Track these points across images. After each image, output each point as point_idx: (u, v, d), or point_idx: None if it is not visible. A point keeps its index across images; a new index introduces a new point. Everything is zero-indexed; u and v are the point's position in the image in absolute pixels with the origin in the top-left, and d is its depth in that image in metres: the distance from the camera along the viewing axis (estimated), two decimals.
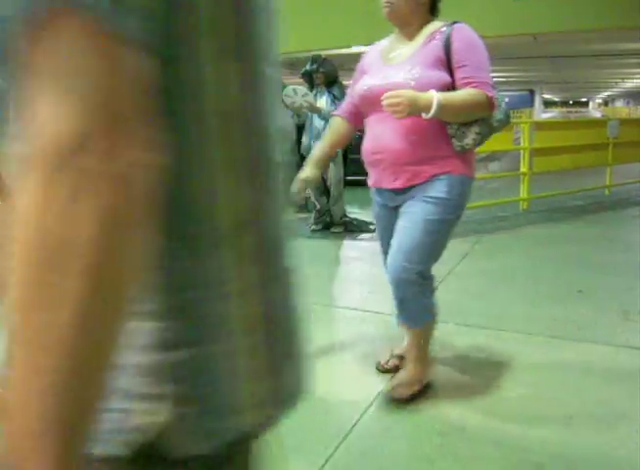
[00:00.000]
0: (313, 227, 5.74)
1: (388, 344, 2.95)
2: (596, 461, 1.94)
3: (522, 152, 6.88)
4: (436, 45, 2.11)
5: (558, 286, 3.87)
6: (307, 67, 5.42)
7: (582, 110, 49.70)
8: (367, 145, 2.27)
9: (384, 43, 2.36)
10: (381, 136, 2.19)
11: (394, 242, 2.25)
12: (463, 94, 2.06)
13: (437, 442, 2.08)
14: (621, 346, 2.86)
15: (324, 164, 2.49)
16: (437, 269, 4.17)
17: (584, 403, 2.31)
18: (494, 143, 6.42)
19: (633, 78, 31.64)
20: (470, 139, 2.12)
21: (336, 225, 5.67)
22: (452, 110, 2.03)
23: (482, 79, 2.09)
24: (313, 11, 12.61)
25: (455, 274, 4.17)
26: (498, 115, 2.17)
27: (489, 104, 2.09)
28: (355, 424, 2.18)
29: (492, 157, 13.00)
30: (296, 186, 2.28)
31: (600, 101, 57.72)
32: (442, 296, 3.64)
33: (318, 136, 5.40)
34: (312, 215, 5.88)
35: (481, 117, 2.13)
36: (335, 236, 5.53)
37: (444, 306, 3.45)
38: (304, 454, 2.01)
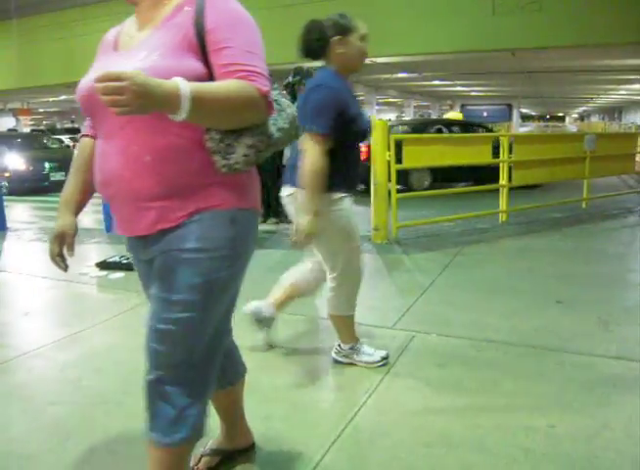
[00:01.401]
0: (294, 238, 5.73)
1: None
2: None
3: (501, 164, 6.97)
4: (182, 22, 1.45)
5: (537, 297, 3.92)
6: (290, 78, 5.44)
7: (559, 124, 50.49)
8: (94, 174, 1.58)
9: (127, 23, 1.65)
10: (107, 159, 1.50)
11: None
12: (225, 86, 1.37)
13: (422, 452, 2.08)
14: (602, 356, 2.90)
15: (79, 206, 1.72)
16: (419, 281, 4.28)
17: (566, 413, 2.33)
18: (468, 156, 6.56)
19: (609, 94, 32.33)
20: (239, 155, 1.46)
21: None
22: (210, 108, 1.33)
23: (253, 68, 1.41)
24: (290, 24, 12.68)
25: (437, 286, 4.20)
26: (279, 121, 1.54)
27: (265, 103, 1.42)
28: (340, 434, 2.17)
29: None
30: None
31: (576, 116, 58.75)
32: (425, 307, 3.72)
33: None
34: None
35: (255, 124, 1.47)
36: None
37: (427, 318, 3.51)
38: (291, 461, 2.00)
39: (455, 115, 24.49)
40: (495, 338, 3.16)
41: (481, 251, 5.42)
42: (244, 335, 3.19)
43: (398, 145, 5.85)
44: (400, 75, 21.06)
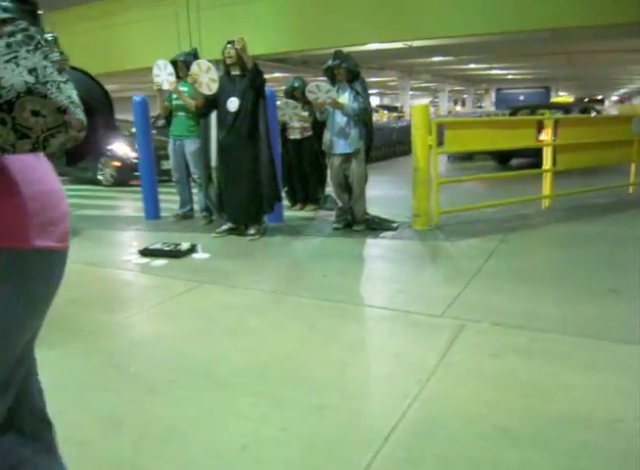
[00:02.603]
0: (335, 225, 5.68)
1: (418, 343, 2.90)
2: None
3: (545, 149, 6.76)
4: None
5: (589, 285, 3.78)
6: (330, 62, 5.34)
7: (597, 107, 49.06)
8: None
9: None
10: None
11: None
12: None
13: (480, 445, 2.01)
14: None
15: None
16: (464, 269, 4.17)
17: (627, 406, 2.23)
18: (513, 140, 6.40)
19: None
20: None
21: (358, 223, 5.60)
22: None
23: None
24: (328, 9, 12.55)
25: (483, 273, 4.09)
26: None
27: None
28: (394, 429, 2.11)
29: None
30: None
31: (616, 98, 57.04)
32: (473, 295, 3.61)
33: (340, 132, 5.35)
34: (334, 213, 5.82)
35: None
36: (357, 234, 5.46)
37: (476, 305, 3.41)
38: (340, 462, 1.95)
39: (564, 98, 24.06)
40: (549, 327, 3.05)
41: (527, 237, 5.27)
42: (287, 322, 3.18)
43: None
44: (435, 59, 20.68)
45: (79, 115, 0.97)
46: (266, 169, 5.28)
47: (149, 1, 14.46)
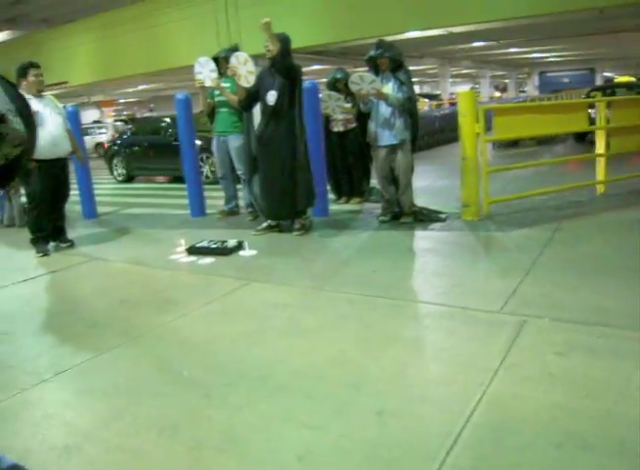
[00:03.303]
0: (382, 218, 5.56)
1: (478, 342, 2.77)
2: None
3: (597, 132, 6.48)
4: None
5: None
6: (372, 52, 5.21)
7: None
8: None
9: None
10: None
11: None
12: None
13: (554, 454, 1.88)
14: None
15: None
16: (520, 260, 4.00)
17: None
18: (563, 124, 6.15)
19: None
20: None
21: (405, 215, 5.46)
22: None
23: None
24: (365, 0, 12.37)
25: (541, 265, 3.91)
26: None
27: None
28: (459, 435, 2.00)
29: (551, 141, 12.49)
30: None
31: None
32: (531, 289, 3.46)
33: (385, 123, 5.22)
34: (381, 206, 5.70)
35: None
36: (405, 226, 5.33)
37: (536, 300, 3.26)
38: (411, 461, 1.86)
39: (626, 78, 23.48)
40: (616, 323, 2.87)
41: (583, 226, 5.03)
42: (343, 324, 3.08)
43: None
44: (476, 45, 20.22)
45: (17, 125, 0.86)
46: (301, 165, 5.22)
47: (188, 0, 14.55)
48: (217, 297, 3.67)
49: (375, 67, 5.27)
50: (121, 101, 37.02)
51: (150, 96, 35.35)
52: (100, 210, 7.29)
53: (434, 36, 14.81)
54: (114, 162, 12.29)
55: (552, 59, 31.92)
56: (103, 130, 22.06)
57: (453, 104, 22.86)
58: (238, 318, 3.28)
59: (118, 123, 25.05)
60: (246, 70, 5.05)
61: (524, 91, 40.69)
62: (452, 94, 33.11)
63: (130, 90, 28.14)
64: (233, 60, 5.12)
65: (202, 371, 2.62)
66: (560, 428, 2.01)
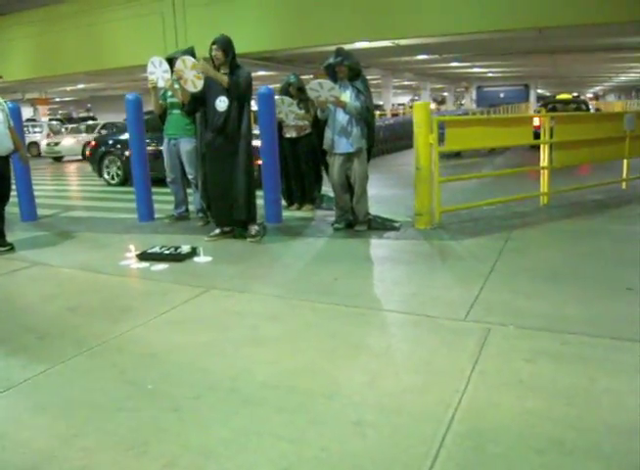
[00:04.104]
0: (336, 225, 5.53)
1: (447, 349, 2.77)
2: None
3: (542, 146, 6.71)
4: None
5: (605, 284, 3.69)
6: (331, 60, 5.19)
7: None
8: None
9: None
10: None
11: None
12: None
13: (537, 461, 1.88)
14: None
15: None
16: (476, 269, 4.06)
17: None
18: (510, 137, 6.34)
19: (628, 73, 31.60)
20: None
21: (359, 223, 5.46)
22: None
23: None
24: (315, 8, 12.42)
25: (498, 273, 3.98)
26: None
27: None
28: (442, 442, 1.98)
29: (494, 152, 12.89)
30: None
31: (591, 95, 57.70)
32: (492, 296, 3.50)
33: (342, 131, 5.21)
34: (334, 213, 5.68)
35: None
36: (360, 234, 5.32)
37: (498, 307, 3.30)
38: None
39: (565, 96, 24.36)
40: (577, 330, 2.94)
41: (532, 235, 5.18)
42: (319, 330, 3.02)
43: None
44: (419, 58, 20.65)
45: None
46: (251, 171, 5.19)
47: (131, 0, 14.19)
48: (175, 305, 3.53)
49: (333, 74, 5.26)
50: (57, 100, 35.69)
51: (87, 96, 34.23)
52: (40, 212, 6.95)
53: (381, 48, 15.03)
54: (105, 163, 10.78)
55: (490, 74, 33.04)
56: (37, 129, 21.16)
57: (395, 115, 23.27)
58: (199, 327, 3.17)
59: (54, 122, 24.11)
60: (192, 75, 4.92)
61: (462, 104, 41.93)
62: (399, 105, 33.65)
63: (68, 89, 27.17)
64: (179, 63, 4.96)
65: (166, 384, 2.50)
66: (539, 434, 2.02)
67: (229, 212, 5.17)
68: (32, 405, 2.40)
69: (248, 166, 5.11)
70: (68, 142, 18.60)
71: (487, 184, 7.90)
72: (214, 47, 4.96)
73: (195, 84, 4.94)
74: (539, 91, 43.65)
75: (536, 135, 7.04)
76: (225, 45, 4.96)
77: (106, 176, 10.86)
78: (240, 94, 4.96)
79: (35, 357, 2.86)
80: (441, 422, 2.11)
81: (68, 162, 18.40)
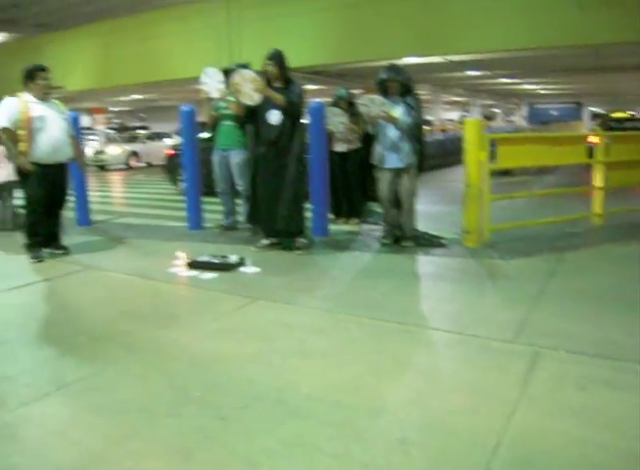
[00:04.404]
0: (383, 241, 5.52)
1: (495, 371, 2.72)
2: None
3: (595, 166, 6.55)
4: None
5: None
6: (383, 75, 5.20)
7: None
8: None
9: None
10: None
11: None
12: None
13: None
14: None
15: None
16: (526, 290, 3.97)
17: None
18: (564, 156, 6.21)
19: None
20: None
21: (406, 239, 5.43)
22: None
23: None
24: (366, 23, 12.48)
25: (547, 295, 3.89)
26: None
27: None
28: (489, 467, 1.94)
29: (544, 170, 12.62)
30: None
31: None
32: (542, 319, 3.42)
33: (392, 147, 5.21)
34: (382, 228, 5.67)
35: None
36: (407, 250, 5.29)
37: (548, 330, 3.22)
38: None
39: (621, 114, 24.00)
40: (630, 357, 2.84)
41: (584, 257, 5.04)
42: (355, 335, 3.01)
43: None
44: (470, 73, 20.47)
45: None
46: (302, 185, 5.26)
47: (189, 13, 14.57)
48: (223, 314, 3.58)
49: (384, 90, 5.27)
50: (113, 109, 36.83)
51: (142, 106, 35.19)
52: (95, 217, 7.17)
53: (432, 63, 14.97)
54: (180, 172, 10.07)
55: (542, 91, 32.47)
56: (93, 137, 21.89)
57: (444, 130, 23.10)
58: (246, 337, 3.20)
59: (110, 131, 24.88)
60: (250, 88, 4.98)
61: (511, 121, 41.30)
62: (448, 121, 33.37)
63: (123, 99, 28.00)
64: (236, 76, 5.03)
65: (213, 392, 2.54)
66: (591, 464, 1.96)
67: (278, 224, 5.22)
68: (84, 405, 2.47)
69: (299, 179, 5.17)
70: (114, 151, 19.06)
71: (537, 203, 7.74)
72: (269, 62, 5.04)
73: (252, 98, 5.01)
74: (592, 109, 42.63)
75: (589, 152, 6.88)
76: (280, 60, 5.05)
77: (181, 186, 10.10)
78: (294, 111, 5.04)
79: (87, 359, 2.95)
80: (488, 447, 2.07)
81: (114, 170, 18.81)
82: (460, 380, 2.66)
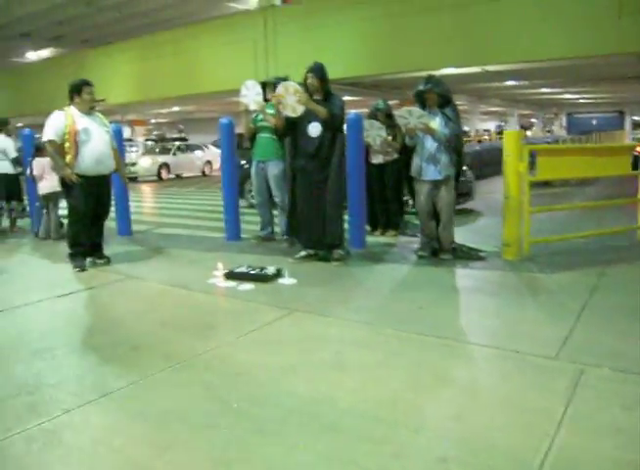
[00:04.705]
0: (421, 253, 5.47)
1: (537, 388, 2.66)
2: None
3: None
4: None
5: None
6: (421, 87, 5.19)
7: None
8: None
9: None
10: None
11: None
12: None
13: None
14: None
15: None
16: (567, 305, 3.88)
17: None
18: (606, 168, 6.07)
19: None
20: None
21: (444, 252, 5.38)
22: None
23: None
24: (403, 34, 12.48)
25: (590, 310, 3.79)
26: None
27: None
28: None
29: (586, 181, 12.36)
30: None
31: None
32: (585, 335, 3.34)
33: (430, 158, 5.18)
34: (419, 240, 5.63)
35: None
36: (445, 263, 5.24)
37: (591, 347, 3.14)
38: None
39: None
40: None
41: (628, 272, 4.90)
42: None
43: None
44: (508, 83, 20.27)
45: None
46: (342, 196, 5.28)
47: (227, 26, 14.83)
48: (260, 325, 3.60)
49: (422, 101, 5.25)
50: (152, 121, 37.64)
51: (180, 118, 35.89)
52: (134, 227, 7.31)
53: (470, 74, 14.88)
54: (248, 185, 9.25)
55: (582, 100, 31.91)
56: (134, 149, 22.39)
57: (480, 141, 22.88)
58: (283, 349, 3.21)
59: (149, 142, 25.40)
60: (293, 101, 5.03)
61: (550, 131, 40.63)
62: (485, 131, 33.07)
63: (163, 111, 28.61)
64: (280, 88, 5.09)
65: (252, 403, 2.55)
66: None
67: (317, 236, 5.24)
68: (126, 414, 2.51)
69: (338, 192, 5.18)
70: (145, 163, 19.13)
71: (579, 215, 7.59)
72: (310, 75, 5.08)
73: (295, 110, 5.05)
74: (635, 118, 41.66)
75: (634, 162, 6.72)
76: (321, 73, 5.09)
77: (251, 200, 8.92)
78: (336, 124, 5.07)
79: (128, 368, 3.00)
80: (530, 467, 2.02)
81: (144, 182, 18.83)
82: (501, 397, 2.62)
